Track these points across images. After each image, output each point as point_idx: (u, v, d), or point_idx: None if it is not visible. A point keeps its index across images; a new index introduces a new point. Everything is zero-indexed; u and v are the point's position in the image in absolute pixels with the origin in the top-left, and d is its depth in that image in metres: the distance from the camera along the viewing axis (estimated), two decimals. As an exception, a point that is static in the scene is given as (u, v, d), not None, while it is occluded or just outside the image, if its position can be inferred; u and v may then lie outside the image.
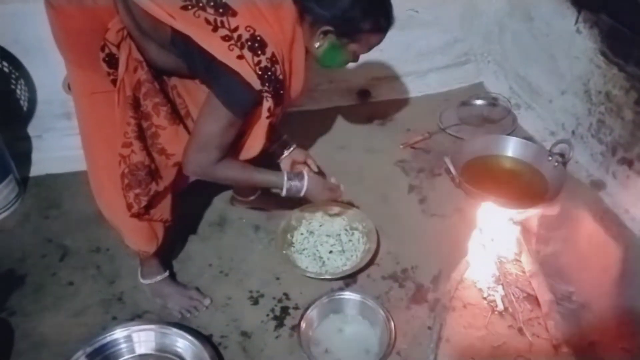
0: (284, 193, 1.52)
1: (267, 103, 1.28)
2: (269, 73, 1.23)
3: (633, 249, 1.73)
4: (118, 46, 1.28)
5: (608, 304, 1.58)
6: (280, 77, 1.26)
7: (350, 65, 1.48)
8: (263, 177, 1.49)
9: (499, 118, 2.36)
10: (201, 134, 1.31)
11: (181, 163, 1.39)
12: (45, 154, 2.17)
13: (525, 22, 2.32)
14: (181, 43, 1.23)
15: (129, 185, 1.39)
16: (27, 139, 2.18)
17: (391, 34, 1.41)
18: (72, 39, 1.29)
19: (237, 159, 1.43)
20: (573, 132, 2.10)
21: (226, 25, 1.19)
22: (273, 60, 1.23)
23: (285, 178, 1.50)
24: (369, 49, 1.41)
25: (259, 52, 1.21)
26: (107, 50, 1.28)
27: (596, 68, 1.91)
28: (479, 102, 2.47)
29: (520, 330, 1.54)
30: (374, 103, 2.55)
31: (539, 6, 2.21)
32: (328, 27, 1.31)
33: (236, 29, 1.20)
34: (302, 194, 1.54)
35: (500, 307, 1.60)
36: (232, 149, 1.40)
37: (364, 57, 1.47)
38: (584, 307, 1.58)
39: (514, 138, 2.09)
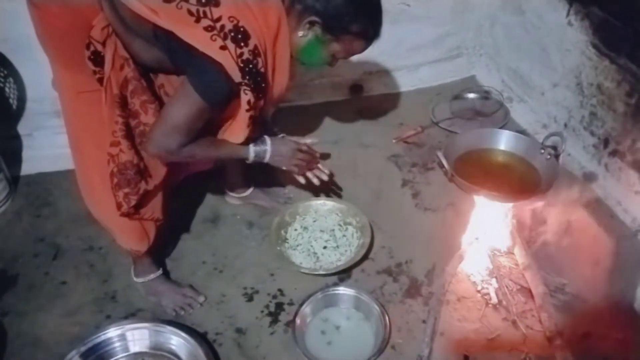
0: (251, 159, 1.50)
1: (246, 96, 1.26)
2: (250, 66, 1.22)
3: (625, 241, 1.74)
4: (103, 44, 1.26)
5: (601, 295, 1.59)
6: (262, 70, 1.25)
7: (341, 60, 1.47)
8: (228, 148, 1.45)
9: (491, 111, 2.36)
10: (170, 120, 1.28)
11: (144, 143, 1.35)
12: (36, 153, 2.16)
13: (516, 15, 2.32)
14: (163, 36, 1.22)
15: (118, 184, 1.38)
16: (17, 137, 2.17)
17: (383, 28, 1.40)
18: (57, 38, 1.27)
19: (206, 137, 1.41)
20: (565, 125, 2.10)
21: (209, 15, 1.18)
22: (255, 52, 1.22)
23: (252, 144, 1.48)
24: (349, 54, 1.40)
25: (242, 44, 1.19)
26: (92, 48, 1.26)
27: (588, 60, 1.92)
28: (471, 95, 2.47)
29: (514, 322, 1.55)
30: (367, 97, 2.54)
31: (530, -1, 2.22)
32: (316, 19, 1.29)
33: (219, 19, 1.18)
34: (267, 158, 1.51)
35: (494, 300, 1.61)
36: (209, 134, 1.39)
37: (355, 52, 1.46)
38: (577, 298, 1.59)
39: (507, 131, 2.09)
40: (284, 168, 1.58)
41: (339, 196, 2.00)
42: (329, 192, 2.00)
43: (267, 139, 1.52)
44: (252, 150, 1.49)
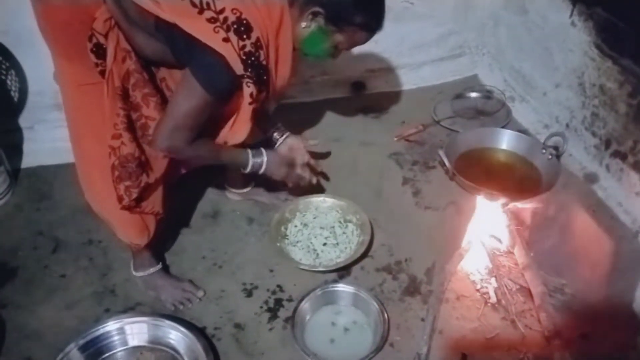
0: (248, 170, 1.53)
1: (249, 89, 1.26)
2: (253, 58, 1.22)
3: (625, 242, 1.73)
4: (106, 36, 1.26)
5: (600, 296, 1.58)
6: (264, 62, 1.25)
7: (344, 57, 1.47)
8: (231, 155, 1.50)
9: (493, 111, 2.36)
10: (175, 114, 1.28)
11: (151, 141, 1.36)
12: (37, 146, 2.16)
13: (520, 15, 2.32)
14: (165, 29, 1.22)
15: (120, 177, 1.38)
16: (18, 130, 2.17)
17: (386, 26, 1.40)
18: (59, 30, 1.27)
19: (211, 139, 1.43)
20: (567, 125, 2.10)
21: (212, 7, 1.18)
22: (257, 45, 1.22)
23: (250, 156, 1.52)
24: (351, 46, 1.40)
25: (245, 37, 1.19)
26: (94, 41, 1.26)
27: (590, 61, 1.91)
28: (473, 94, 2.46)
29: (512, 322, 1.54)
30: (368, 95, 2.54)
31: (534, -1, 2.21)
32: (319, 9, 1.29)
33: (222, 10, 1.18)
34: (261, 170, 1.55)
35: (493, 299, 1.61)
36: (213, 132, 1.40)
37: (358, 49, 1.46)
38: (576, 299, 1.59)
39: (508, 131, 2.09)
40: (276, 178, 1.63)
41: (326, 178, 2.01)
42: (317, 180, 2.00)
43: (264, 151, 1.55)
44: (250, 162, 1.52)
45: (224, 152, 1.47)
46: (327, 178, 2.01)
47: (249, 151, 1.52)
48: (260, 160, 1.53)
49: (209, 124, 1.35)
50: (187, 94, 1.26)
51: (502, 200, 1.79)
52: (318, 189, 1.97)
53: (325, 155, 2.08)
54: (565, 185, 1.89)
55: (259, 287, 1.68)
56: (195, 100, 1.25)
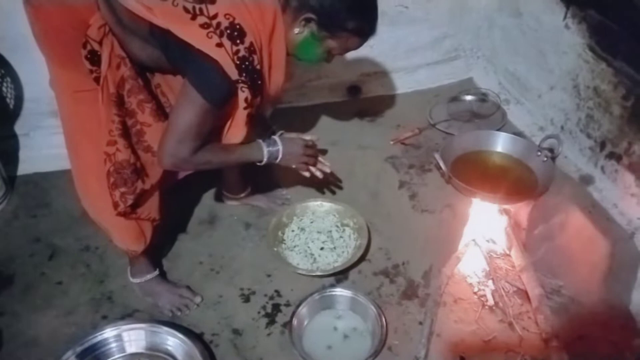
0: (264, 161, 1.51)
1: (244, 94, 1.26)
2: (247, 63, 1.22)
3: (621, 243, 1.74)
4: (100, 43, 1.26)
5: (597, 297, 1.59)
6: (258, 67, 1.25)
7: (339, 61, 1.47)
8: (241, 152, 1.46)
9: (488, 113, 2.36)
10: (178, 126, 1.28)
11: (157, 159, 1.35)
12: (33, 153, 2.15)
13: (514, 18, 2.33)
14: (160, 35, 1.22)
15: (115, 183, 1.38)
16: (14, 137, 2.16)
17: (381, 30, 1.40)
18: (53, 37, 1.27)
19: (214, 143, 1.41)
20: (562, 127, 2.11)
21: (205, 12, 1.18)
22: (251, 49, 1.22)
23: (264, 146, 1.50)
24: (345, 51, 1.40)
25: (238, 41, 1.19)
26: (89, 47, 1.26)
27: (584, 63, 1.92)
28: (468, 97, 2.47)
29: (510, 324, 1.55)
30: (364, 99, 2.55)
31: (528, 2, 2.22)
32: (311, 15, 1.29)
33: (215, 16, 1.18)
34: (279, 158, 1.53)
35: (491, 301, 1.61)
36: (215, 137, 1.39)
37: (353, 53, 1.46)
38: (573, 301, 1.59)
39: (503, 133, 2.10)
40: (294, 166, 1.60)
41: (340, 188, 2.00)
42: (329, 186, 2.00)
43: (277, 139, 1.53)
44: (265, 152, 1.50)
45: (232, 152, 1.44)
46: (340, 185, 2.02)
47: (261, 142, 1.51)
48: (276, 148, 1.51)
49: (211, 135, 1.35)
50: (186, 104, 1.26)
51: (498, 202, 1.79)
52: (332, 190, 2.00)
53: (323, 153, 2.08)
54: (560, 187, 1.89)
55: (257, 292, 1.68)
56: (196, 110, 1.25)
